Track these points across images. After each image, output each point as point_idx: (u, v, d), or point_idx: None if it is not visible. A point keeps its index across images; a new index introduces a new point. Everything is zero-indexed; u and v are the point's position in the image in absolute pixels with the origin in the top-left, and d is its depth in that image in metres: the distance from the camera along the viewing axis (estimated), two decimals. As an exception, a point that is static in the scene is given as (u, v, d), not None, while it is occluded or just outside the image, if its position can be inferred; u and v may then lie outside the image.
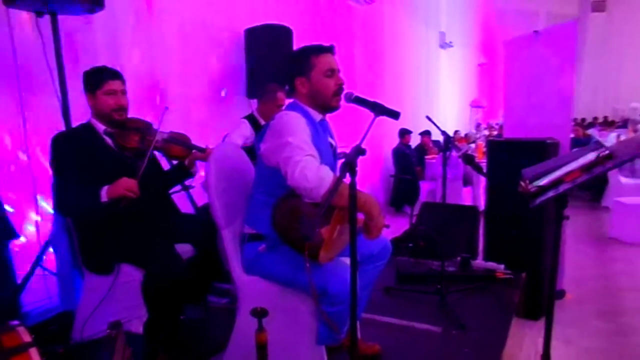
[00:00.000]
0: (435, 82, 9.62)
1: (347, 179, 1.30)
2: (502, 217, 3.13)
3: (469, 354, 2.03)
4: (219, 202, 1.76)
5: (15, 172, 2.44)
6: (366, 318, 2.20)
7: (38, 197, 2.48)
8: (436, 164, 6.35)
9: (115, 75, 1.93)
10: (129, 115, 2.04)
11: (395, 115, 1.48)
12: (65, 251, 2.09)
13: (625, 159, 1.41)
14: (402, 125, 6.50)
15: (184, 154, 2.17)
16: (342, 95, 1.65)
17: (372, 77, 6.42)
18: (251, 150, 2.23)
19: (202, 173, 2.60)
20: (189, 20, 3.51)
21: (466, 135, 9.45)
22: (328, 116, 1.82)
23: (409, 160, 6.43)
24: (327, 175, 1.45)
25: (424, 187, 6.20)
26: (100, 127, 1.95)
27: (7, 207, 2.27)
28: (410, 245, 3.50)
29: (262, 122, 3.01)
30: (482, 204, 4.59)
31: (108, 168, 1.90)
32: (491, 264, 3.02)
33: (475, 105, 12.48)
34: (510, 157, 2.99)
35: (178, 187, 2.43)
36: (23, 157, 2.43)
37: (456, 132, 9.57)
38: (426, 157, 6.78)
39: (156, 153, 2.16)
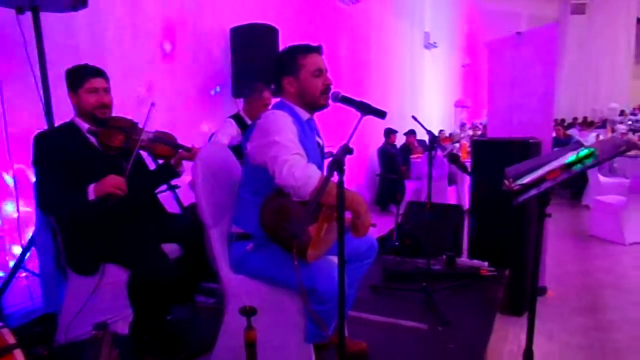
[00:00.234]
0: (420, 82, 9.71)
1: (335, 178, 1.31)
2: (486, 215, 3.18)
3: (454, 349, 2.07)
4: (205, 201, 1.75)
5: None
6: (353, 316, 2.21)
7: (19, 198, 2.43)
8: (421, 163, 6.42)
9: (98, 72, 1.91)
10: (115, 115, 2.02)
11: (381, 114, 1.50)
12: (49, 251, 2.05)
13: (604, 158, 1.45)
14: (388, 125, 6.55)
15: (169, 154, 2.16)
16: (329, 95, 1.66)
17: (357, 77, 6.46)
18: (238, 150, 2.23)
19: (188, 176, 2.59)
20: (175, 18, 3.48)
21: (450, 134, 9.56)
22: (315, 115, 1.83)
23: (395, 160, 6.48)
24: (314, 174, 1.46)
25: (409, 186, 6.26)
26: (84, 125, 1.93)
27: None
28: (396, 243, 3.54)
29: (249, 121, 3.01)
30: (466, 203, 4.67)
31: (92, 167, 1.88)
32: (476, 262, 3.07)
33: (459, 105, 12.64)
34: (493, 156, 3.05)
35: (164, 187, 2.41)
36: (5, 159, 2.38)
37: (441, 131, 9.68)
38: (411, 156, 6.85)
39: (142, 152, 2.15)
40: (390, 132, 6.60)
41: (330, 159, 1.28)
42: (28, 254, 2.25)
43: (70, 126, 1.94)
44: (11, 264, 2.27)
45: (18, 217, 2.42)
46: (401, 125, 6.90)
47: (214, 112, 3.87)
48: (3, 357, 1.12)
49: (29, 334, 2.05)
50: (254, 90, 3.08)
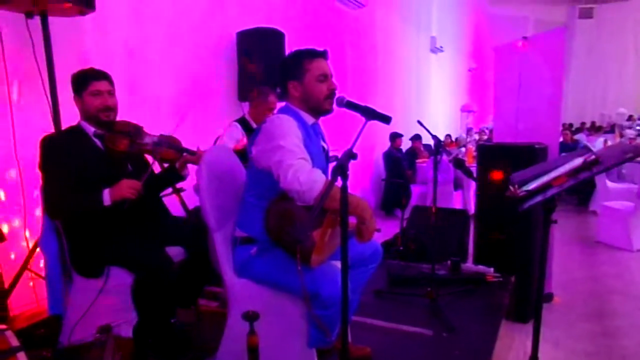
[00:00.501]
0: (426, 87, 9.69)
1: (339, 183, 1.31)
2: (492, 220, 3.16)
3: (459, 356, 2.05)
4: (210, 204, 1.75)
5: (5, 176, 2.41)
6: (357, 321, 2.20)
7: (26, 200, 2.45)
8: (427, 167, 6.40)
9: (101, 75, 1.92)
10: (121, 119, 2.03)
11: (386, 119, 1.50)
12: (54, 254, 2.06)
13: (611, 165, 1.44)
14: (394, 130, 6.54)
15: (174, 157, 2.16)
16: (334, 100, 1.66)
17: (363, 81, 6.46)
18: (243, 153, 2.24)
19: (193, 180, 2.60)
20: (181, 21, 3.50)
21: (456, 139, 9.53)
22: (321, 120, 1.83)
23: (400, 164, 6.47)
24: (319, 179, 1.46)
25: (415, 190, 6.24)
26: (90, 129, 1.94)
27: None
28: (401, 248, 3.52)
29: (254, 125, 3.01)
30: (472, 208, 4.64)
31: (98, 171, 1.89)
32: (481, 267, 3.05)
33: (465, 110, 12.59)
34: (499, 161, 3.03)
35: (169, 190, 2.41)
36: (12, 161, 2.40)
37: (447, 136, 9.64)
38: (417, 160, 6.83)
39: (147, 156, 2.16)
40: (395, 137, 6.59)
41: (335, 163, 1.28)
42: (34, 256, 2.26)
43: (76, 130, 1.96)
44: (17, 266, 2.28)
45: (24, 218, 2.44)
46: (407, 130, 6.88)
47: (220, 115, 3.89)
48: (7, 360, 1.13)
49: (34, 336, 2.06)
50: (259, 94, 3.08)
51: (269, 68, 3.63)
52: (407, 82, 8.49)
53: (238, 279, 1.76)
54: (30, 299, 2.43)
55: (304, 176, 1.46)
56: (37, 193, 2.36)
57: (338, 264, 1.40)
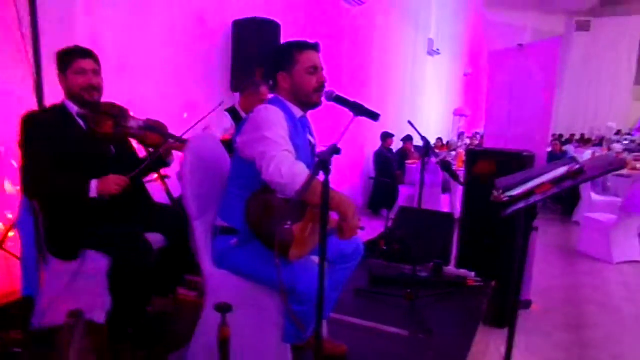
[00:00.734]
0: (421, 89, 9.70)
1: (323, 177, 1.29)
2: (476, 225, 3.17)
3: (433, 357, 2.06)
4: (192, 192, 1.73)
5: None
6: (335, 318, 2.20)
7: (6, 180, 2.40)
8: (416, 169, 6.41)
9: (86, 54, 1.88)
10: (109, 102, 1.99)
11: (374, 116, 1.49)
12: (31, 235, 2.02)
13: (594, 175, 1.44)
14: (385, 129, 6.54)
15: (160, 142, 2.12)
16: (323, 93, 1.65)
17: (358, 79, 6.44)
18: (230, 144, 2.21)
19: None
20: (177, 7, 3.44)
21: (448, 143, 9.57)
22: (309, 114, 1.81)
23: (390, 164, 6.47)
24: (302, 172, 1.44)
25: (403, 191, 6.25)
26: (74, 108, 1.89)
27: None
28: (385, 248, 3.52)
29: (244, 116, 2.99)
30: (458, 212, 4.66)
31: (79, 151, 1.85)
32: (463, 271, 3.07)
33: (458, 113, 12.65)
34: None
35: (154, 176, 2.38)
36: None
37: (438, 139, 9.68)
38: (407, 162, 6.84)
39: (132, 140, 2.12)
40: (387, 136, 6.60)
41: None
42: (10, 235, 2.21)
43: (60, 108, 1.91)
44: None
45: (2, 197, 2.39)
46: (399, 130, 6.88)
47: (212, 105, 3.83)
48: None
49: (6, 316, 2.02)
50: (251, 84, 3.06)
51: (262, 58, 3.59)
52: (402, 83, 8.49)
53: (216, 269, 1.74)
54: (4, 279, 2.38)
55: (286, 168, 1.44)
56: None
57: (317, 259, 1.39)
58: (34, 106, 2.19)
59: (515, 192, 1.51)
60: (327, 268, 1.76)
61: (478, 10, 14.45)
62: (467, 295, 2.78)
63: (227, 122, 2.98)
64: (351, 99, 1.51)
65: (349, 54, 6.14)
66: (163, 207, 2.26)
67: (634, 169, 6.17)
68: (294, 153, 1.52)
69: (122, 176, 1.83)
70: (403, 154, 6.99)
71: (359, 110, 1.45)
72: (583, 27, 16.94)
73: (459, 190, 5.48)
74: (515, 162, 2.89)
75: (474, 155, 3.28)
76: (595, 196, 5.67)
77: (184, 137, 2.14)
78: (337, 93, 1.55)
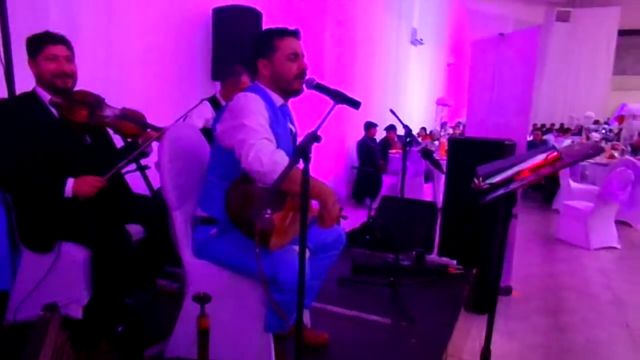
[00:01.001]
0: (404, 78, 9.71)
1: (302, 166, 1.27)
2: (458, 213, 3.20)
3: (415, 345, 2.08)
4: (171, 182, 1.70)
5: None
6: (318, 307, 2.20)
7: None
8: (399, 158, 6.42)
9: (58, 40, 1.81)
10: (84, 90, 1.92)
11: (355, 104, 1.47)
12: (3, 226, 1.96)
13: (571, 161, 1.46)
14: (369, 119, 6.53)
15: (137, 132, 2.08)
16: (304, 80, 1.62)
17: (341, 67, 6.39)
18: (210, 133, 2.17)
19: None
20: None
21: (431, 132, 9.63)
22: (291, 102, 1.78)
23: (373, 154, 6.48)
24: (281, 160, 1.42)
25: (387, 180, 6.27)
26: (46, 96, 1.83)
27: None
28: (367, 237, 3.53)
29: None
30: (441, 200, 4.70)
31: (52, 141, 1.79)
32: (444, 259, 3.10)
33: (441, 103, 12.72)
34: (469, 155, 3.05)
35: (133, 167, 2.32)
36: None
37: (422, 129, 9.73)
38: (390, 151, 6.86)
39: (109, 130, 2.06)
40: (370, 126, 6.59)
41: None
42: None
43: (30, 96, 1.84)
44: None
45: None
46: (382, 120, 6.88)
47: (192, 94, 3.77)
48: None
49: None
50: (232, 73, 3.00)
51: (244, 47, 3.53)
52: (385, 73, 8.47)
53: (197, 260, 1.72)
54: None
55: (267, 157, 1.42)
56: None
57: (298, 248, 1.38)
58: (3, 94, 2.11)
59: (495, 179, 1.52)
60: (309, 257, 1.75)
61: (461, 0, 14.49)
62: (448, 283, 2.81)
63: (208, 111, 2.92)
64: (332, 87, 1.49)
65: (332, 43, 6.09)
66: (142, 198, 2.22)
67: (612, 157, 6.32)
68: (274, 141, 1.50)
69: (99, 177, 1.80)
70: (386, 143, 7.00)
71: (339, 97, 1.43)
72: (563, 17, 17.13)
73: (441, 179, 5.53)
74: (497, 151, 2.91)
75: (456, 144, 3.30)
76: (574, 184, 5.78)
77: (163, 127, 2.10)
78: (318, 81, 1.52)
